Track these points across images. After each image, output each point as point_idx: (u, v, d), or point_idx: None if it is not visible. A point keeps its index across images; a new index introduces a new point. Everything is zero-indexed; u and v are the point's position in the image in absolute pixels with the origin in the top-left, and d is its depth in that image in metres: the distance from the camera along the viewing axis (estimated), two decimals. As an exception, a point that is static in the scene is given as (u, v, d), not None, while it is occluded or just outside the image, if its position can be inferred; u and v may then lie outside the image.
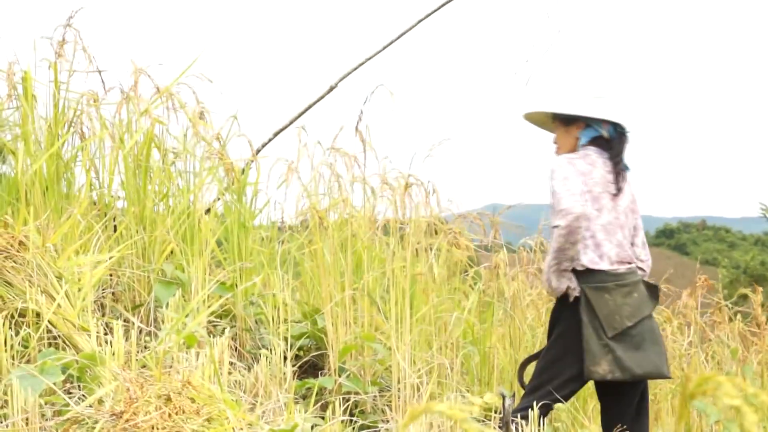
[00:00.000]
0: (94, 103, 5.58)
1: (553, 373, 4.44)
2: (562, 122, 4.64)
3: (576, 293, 4.38)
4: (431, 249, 5.65)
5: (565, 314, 4.46)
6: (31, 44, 5.57)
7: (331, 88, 7.18)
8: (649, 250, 4.71)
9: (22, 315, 4.00)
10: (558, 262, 4.39)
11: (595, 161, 4.47)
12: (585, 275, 4.39)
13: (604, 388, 4.58)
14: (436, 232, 5.67)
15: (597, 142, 4.56)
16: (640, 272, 4.55)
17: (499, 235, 6.31)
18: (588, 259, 4.38)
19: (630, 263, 4.48)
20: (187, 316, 4.08)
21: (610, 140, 4.54)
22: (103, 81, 5.77)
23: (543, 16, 7.66)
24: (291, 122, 6.93)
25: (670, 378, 4.78)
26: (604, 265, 4.39)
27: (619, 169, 4.51)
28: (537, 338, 6.25)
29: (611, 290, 4.34)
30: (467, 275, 6.37)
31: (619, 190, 4.50)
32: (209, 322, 4.94)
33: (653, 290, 4.56)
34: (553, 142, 4.70)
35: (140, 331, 4.39)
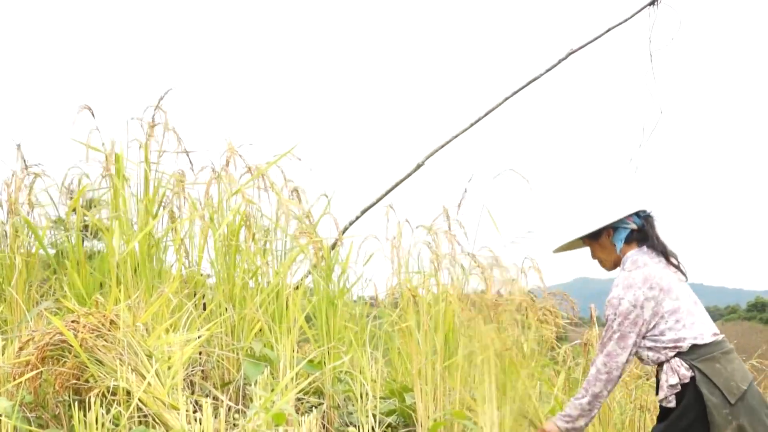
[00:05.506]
0: (181, 183, 5.68)
1: None
2: (591, 238, 4.57)
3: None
4: (521, 326, 5.59)
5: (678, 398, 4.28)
6: (122, 125, 5.73)
7: (419, 166, 7.24)
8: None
9: (113, 393, 4.05)
10: (591, 408, 4.37)
11: (646, 261, 4.38)
12: (690, 353, 4.26)
13: None
14: (526, 309, 5.61)
15: (630, 237, 4.48)
16: None
17: (592, 309, 6.22)
18: (692, 336, 4.25)
19: (718, 333, 4.35)
20: (275, 393, 4.08)
21: (641, 230, 4.47)
22: (191, 161, 5.89)
23: (646, 95, 7.57)
24: (379, 199, 7.00)
25: None
26: (707, 338, 4.25)
27: (669, 253, 4.42)
28: (626, 415, 6.12)
29: (719, 359, 4.22)
30: (556, 352, 6.28)
31: (683, 273, 4.44)
32: (297, 399, 4.94)
33: None
34: (594, 258, 4.63)
35: (229, 409, 4.41)
